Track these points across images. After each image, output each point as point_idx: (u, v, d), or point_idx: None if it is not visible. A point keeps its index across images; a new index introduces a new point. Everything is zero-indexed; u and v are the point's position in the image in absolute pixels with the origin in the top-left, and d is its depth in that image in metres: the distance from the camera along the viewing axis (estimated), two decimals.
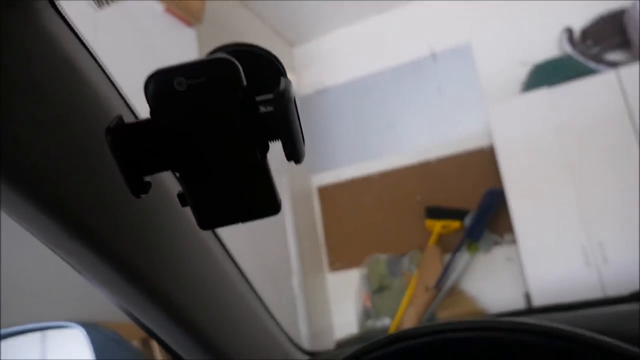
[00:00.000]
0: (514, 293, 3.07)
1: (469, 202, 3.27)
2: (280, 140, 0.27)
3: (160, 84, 0.26)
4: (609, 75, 2.85)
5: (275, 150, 0.29)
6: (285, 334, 0.65)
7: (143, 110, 0.31)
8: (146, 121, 0.27)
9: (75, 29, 0.36)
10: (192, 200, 0.29)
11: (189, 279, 0.43)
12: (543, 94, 2.98)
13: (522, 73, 3.29)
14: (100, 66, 0.38)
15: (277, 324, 0.63)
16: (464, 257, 3.27)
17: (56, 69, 0.33)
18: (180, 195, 0.29)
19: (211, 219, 0.29)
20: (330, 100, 3.96)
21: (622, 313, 0.57)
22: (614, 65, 3.00)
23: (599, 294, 2.61)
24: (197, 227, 0.29)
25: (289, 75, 0.30)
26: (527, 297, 2.90)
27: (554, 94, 2.94)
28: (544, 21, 3.30)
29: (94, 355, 0.55)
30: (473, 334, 0.33)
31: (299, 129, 0.27)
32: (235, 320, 0.51)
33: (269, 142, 0.28)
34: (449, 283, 3.24)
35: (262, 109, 0.27)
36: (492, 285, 3.22)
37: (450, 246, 3.31)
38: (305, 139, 0.28)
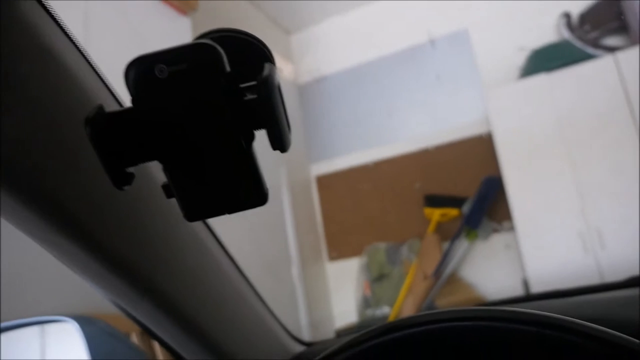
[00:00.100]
0: (513, 280, 3.08)
1: (468, 190, 3.27)
2: (265, 128, 0.26)
3: (141, 71, 0.25)
4: (607, 60, 2.84)
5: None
6: (281, 324, 0.65)
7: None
8: (127, 110, 0.27)
9: (58, 19, 0.35)
10: (177, 191, 0.28)
11: (180, 271, 0.43)
12: (541, 80, 2.97)
13: (520, 59, 3.27)
14: (83, 56, 0.37)
15: (273, 315, 0.62)
16: (462, 244, 3.28)
17: (38, 60, 0.32)
18: (164, 187, 0.28)
19: (197, 210, 0.29)
20: (328, 89, 3.94)
21: (619, 299, 0.57)
22: (611, 50, 2.98)
23: (596, 280, 2.62)
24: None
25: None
26: (526, 283, 2.91)
27: (552, 79, 2.93)
28: (542, 6, 3.27)
29: (87, 349, 0.55)
30: (464, 323, 0.33)
31: (284, 116, 0.26)
32: (229, 312, 0.51)
33: (255, 131, 0.27)
34: (447, 271, 3.25)
35: (248, 96, 0.26)
36: (491, 272, 3.23)
37: (449, 234, 3.32)
38: (291, 126, 0.28)
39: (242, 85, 0.26)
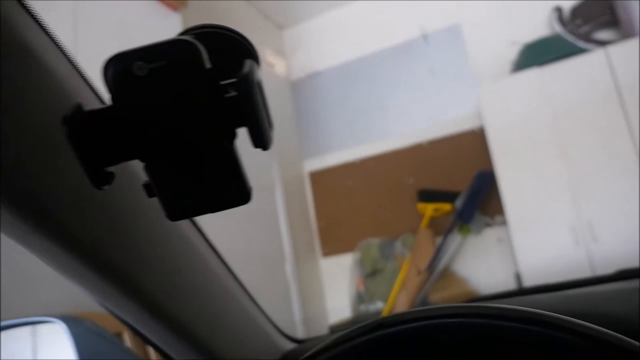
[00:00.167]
0: (505, 273, 3.10)
1: (461, 184, 3.28)
2: (245, 126, 0.26)
3: (119, 69, 0.25)
4: (598, 53, 2.85)
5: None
6: (272, 322, 0.65)
7: None
8: (107, 108, 0.26)
9: (36, 16, 0.34)
10: (159, 190, 0.27)
11: (165, 271, 0.42)
12: (533, 74, 2.98)
13: (512, 53, 3.28)
14: (64, 54, 0.37)
15: (263, 312, 0.62)
16: (455, 239, 3.29)
17: (15, 57, 0.31)
18: (146, 185, 0.28)
19: (179, 210, 0.28)
20: (321, 84, 3.93)
21: (608, 293, 0.57)
22: (603, 44, 2.99)
23: (588, 272, 2.63)
24: None
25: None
26: (518, 277, 2.93)
27: (544, 73, 2.94)
28: (534, 1, 3.27)
29: (74, 349, 0.55)
30: (450, 320, 0.33)
31: (265, 114, 0.26)
32: (217, 311, 0.50)
33: (237, 129, 0.27)
34: (441, 265, 3.26)
35: (230, 93, 0.26)
36: (484, 266, 3.25)
37: (442, 229, 3.33)
38: (272, 123, 0.27)
39: (224, 82, 0.26)
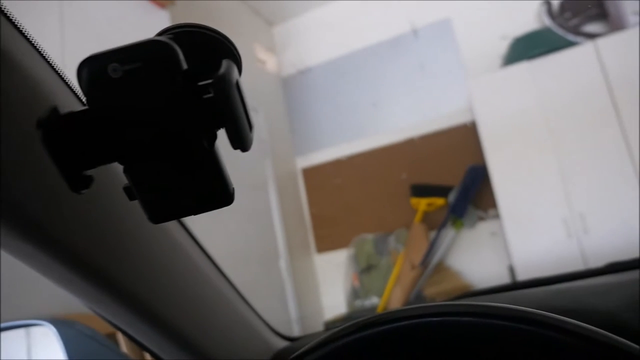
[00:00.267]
0: (499, 267, 3.12)
1: (454, 179, 3.29)
2: (223, 127, 0.25)
3: (94, 71, 0.24)
4: (587, 46, 2.86)
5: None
6: (263, 320, 0.64)
7: None
8: (83, 111, 0.26)
9: (9, 15, 0.33)
10: (139, 193, 0.27)
11: (151, 271, 0.42)
12: (523, 68, 2.99)
13: (502, 47, 3.28)
14: (41, 55, 0.36)
15: (254, 311, 0.62)
16: (449, 233, 3.31)
17: None
18: (126, 189, 0.28)
19: (161, 212, 0.28)
20: (312, 80, 3.92)
21: (597, 287, 0.57)
22: (592, 36, 3.01)
23: (580, 264, 2.65)
24: None
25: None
26: (512, 270, 2.94)
27: (534, 67, 2.95)
28: None
29: (64, 351, 0.54)
30: (437, 319, 0.33)
31: (244, 114, 0.25)
32: (206, 310, 0.50)
33: (217, 130, 0.26)
34: (435, 260, 3.27)
35: (210, 93, 0.26)
36: (477, 260, 3.26)
37: (435, 223, 3.34)
38: (252, 124, 0.27)
39: (202, 83, 0.26)
